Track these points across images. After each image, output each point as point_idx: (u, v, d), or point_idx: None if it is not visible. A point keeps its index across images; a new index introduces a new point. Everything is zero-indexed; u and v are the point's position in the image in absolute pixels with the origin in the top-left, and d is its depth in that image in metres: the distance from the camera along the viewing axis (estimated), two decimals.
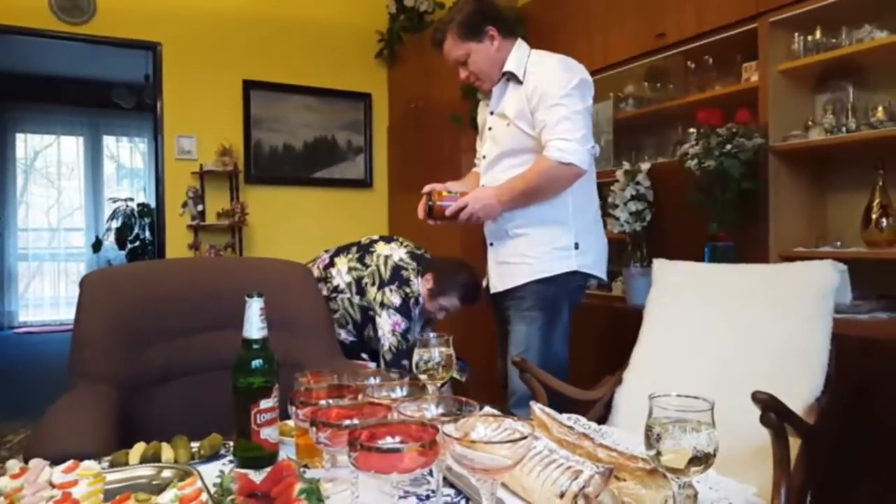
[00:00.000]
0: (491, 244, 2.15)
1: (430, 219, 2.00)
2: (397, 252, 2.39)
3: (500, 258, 2.11)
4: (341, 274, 2.39)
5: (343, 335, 2.40)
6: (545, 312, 2.00)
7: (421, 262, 2.39)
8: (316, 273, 2.42)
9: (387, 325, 2.29)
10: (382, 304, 2.30)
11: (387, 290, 2.31)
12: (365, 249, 2.42)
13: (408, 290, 2.32)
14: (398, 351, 2.28)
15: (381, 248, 2.41)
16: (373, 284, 2.34)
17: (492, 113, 2.11)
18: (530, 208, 2.00)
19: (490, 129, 2.12)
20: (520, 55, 2.04)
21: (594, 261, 2.06)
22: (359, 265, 2.39)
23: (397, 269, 2.34)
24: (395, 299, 2.30)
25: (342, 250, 2.47)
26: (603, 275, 2.12)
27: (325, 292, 2.37)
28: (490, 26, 2.03)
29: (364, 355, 2.41)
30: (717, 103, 2.63)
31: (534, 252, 2.01)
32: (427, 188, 2.02)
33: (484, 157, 2.14)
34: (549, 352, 2.00)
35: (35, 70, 6.92)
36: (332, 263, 2.44)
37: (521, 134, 2.00)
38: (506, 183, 1.99)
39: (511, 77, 2.04)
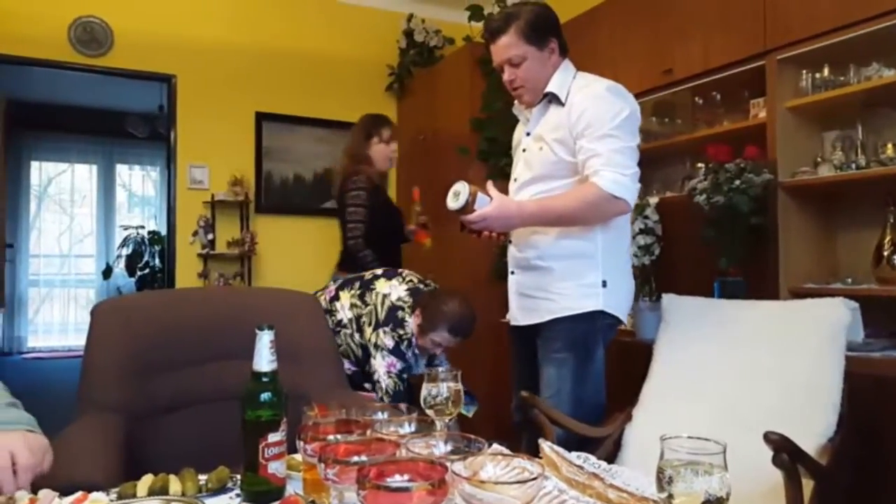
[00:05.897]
0: (512, 272, 2.03)
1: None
2: (396, 290, 2.34)
3: (521, 289, 1.99)
4: (344, 309, 2.40)
5: (347, 364, 2.40)
6: (575, 353, 1.86)
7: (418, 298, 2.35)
8: (323, 304, 2.43)
9: (381, 368, 2.27)
10: (377, 346, 2.28)
11: (381, 331, 2.28)
12: (367, 286, 2.40)
13: (401, 331, 2.28)
14: (394, 393, 2.25)
15: (382, 286, 2.37)
16: (369, 325, 2.32)
17: (528, 134, 1.99)
18: (557, 240, 1.89)
19: (524, 150, 2.00)
20: (564, 76, 1.92)
21: (619, 302, 1.90)
22: (359, 302, 2.37)
23: (393, 310, 2.30)
24: (388, 342, 2.27)
25: (347, 284, 2.47)
26: (625, 318, 1.95)
27: (330, 325, 2.37)
28: (554, 38, 1.91)
29: (367, 385, 2.40)
30: (725, 139, 2.64)
31: (558, 287, 1.88)
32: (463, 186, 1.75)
33: (515, 179, 2.03)
34: (582, 395, 1.86)
35: (51, 99, 7.06)
36: (337, 297, 2.44)
37: (556, 158, 1.87)
38: (541, 202, 1.84)
39: (553, 98, 1.91)
